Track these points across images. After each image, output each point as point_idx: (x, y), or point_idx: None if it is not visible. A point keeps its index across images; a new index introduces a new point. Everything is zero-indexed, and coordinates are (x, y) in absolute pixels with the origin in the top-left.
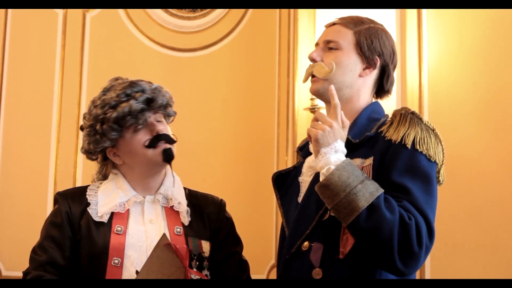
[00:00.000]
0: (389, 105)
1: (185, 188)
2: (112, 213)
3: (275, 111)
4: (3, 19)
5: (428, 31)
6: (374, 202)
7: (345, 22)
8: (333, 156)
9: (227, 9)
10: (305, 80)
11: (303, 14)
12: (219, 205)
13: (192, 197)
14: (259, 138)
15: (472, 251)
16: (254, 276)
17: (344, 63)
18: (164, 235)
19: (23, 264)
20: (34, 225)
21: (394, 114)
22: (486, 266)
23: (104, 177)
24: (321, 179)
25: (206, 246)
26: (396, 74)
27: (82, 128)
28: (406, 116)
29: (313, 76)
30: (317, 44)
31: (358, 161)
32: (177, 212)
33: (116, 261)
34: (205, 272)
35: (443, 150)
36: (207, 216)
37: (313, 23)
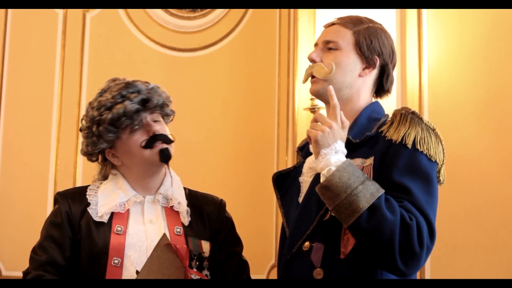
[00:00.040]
0: (389, 105)
1: (185, 188)
2: (112, 213)
3: (275, 111)
4: (3, 19)
5: (428, 31)
6: (375, 203)
7: (344, 22)
8: (333, 157)
9: (227, 9)
10: (305, 80)
11: (303, 14)
12: (219, 205)
13: (192, 197)
14: (259, 138)
15: (472, 251)
16: (254, 276)
17: (343, 63)
18: (164, 235)
19: (23, 264)
20: (34, 225)
21: (395, 114)
22: (486, 266)
23: (104, 177)
24: (321, 180)
25: (206, 246)
26: (396, 74)
27: (81, 130)
28: (406, 116)
29: (312, 76)
30: (316, 45)
31: (358, 161)
32: (177, 212)
33: (116, 261)
34: (205, 272)
35: (443, 150)
36: (207, 216)
37: (313, 23)
